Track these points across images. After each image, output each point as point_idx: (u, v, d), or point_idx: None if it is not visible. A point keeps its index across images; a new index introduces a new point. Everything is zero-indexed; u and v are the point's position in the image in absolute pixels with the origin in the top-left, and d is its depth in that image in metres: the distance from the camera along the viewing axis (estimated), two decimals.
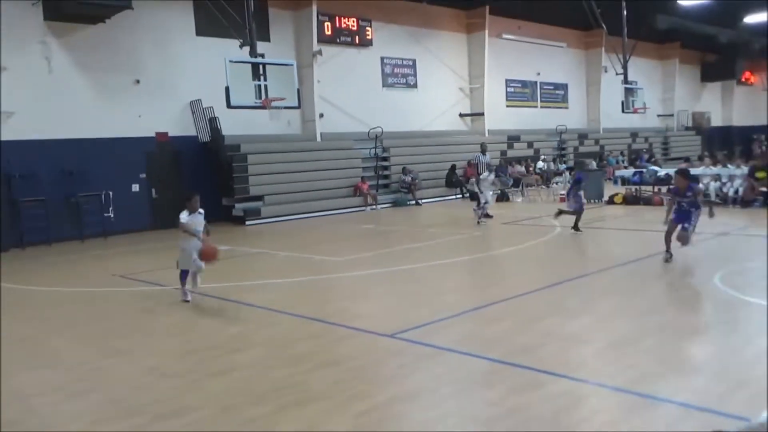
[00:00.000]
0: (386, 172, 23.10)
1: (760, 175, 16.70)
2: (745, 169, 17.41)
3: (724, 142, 39.01)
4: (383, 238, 14.97)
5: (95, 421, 4.75)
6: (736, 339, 6.29)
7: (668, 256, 9.51)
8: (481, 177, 16.03)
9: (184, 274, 8.48)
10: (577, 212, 13.28)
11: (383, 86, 24.28)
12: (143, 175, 18.06)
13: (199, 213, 8.42)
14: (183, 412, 4.80)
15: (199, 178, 18.42)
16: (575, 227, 13.19)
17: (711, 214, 9.92)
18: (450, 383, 5.19)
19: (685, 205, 9.18)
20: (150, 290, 9.73)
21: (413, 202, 22.13)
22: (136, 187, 17.91)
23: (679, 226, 9.30)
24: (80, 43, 16.75)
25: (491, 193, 15.96)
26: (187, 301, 8.40)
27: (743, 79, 40.22)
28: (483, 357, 5.71)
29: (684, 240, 9.22)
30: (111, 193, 17.08)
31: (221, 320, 7.39)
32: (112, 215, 17.07)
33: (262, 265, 12.20)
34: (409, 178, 22.43)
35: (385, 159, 23.10)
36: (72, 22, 16.41)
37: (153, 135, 18.21)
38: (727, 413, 4.30)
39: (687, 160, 26.78)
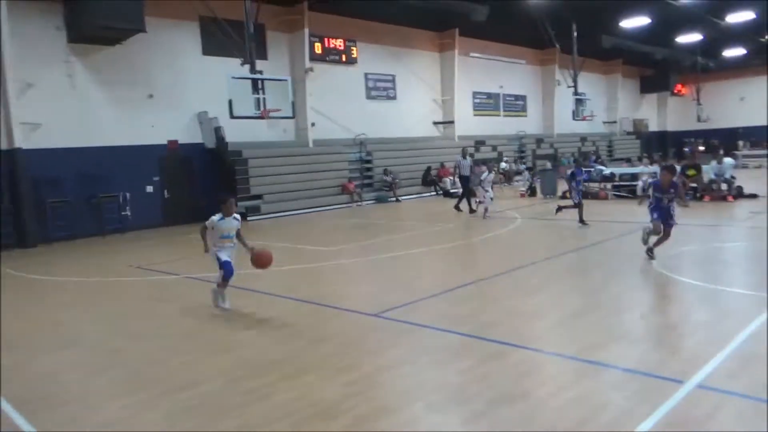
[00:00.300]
0: (370, 173, 23.00)
1: (690, 173, 16.96)
2: (677, 168, 17.58)
3: (659, 145, 39.56)
4: (367, 230, 14.92)
5: (114, 394, 4.69)
6: (671, 313, 6.37)
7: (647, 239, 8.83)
8: (482, 177, 15.65)
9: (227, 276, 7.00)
10: (579, 206, 12.65)
11: (367, 98, 24.15)
12: (156, 178, 17.80)
13: (234, 218, 6.95)
14: (192, 384, 4.75)
15: (205, 179, 18.28)
16: (581, 221, 12.50)
17: (686, 205, 9.76)
18: (426, 355, 5.19)
19: (665, 201, 8.53)
20: (163, 279, 9.62)
21: (394, 198, 22.08)
22: (150, 189, 17.64)
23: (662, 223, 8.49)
24: (99, 62, 16.46)
25: (490, 189, 15.70)
26: (226, 309, 7.03)
27: (675, 91, 40.58)
28: (454, 332, 5.72)
29: (669, 233, 8.48)
30: (128, 194, 16.82)
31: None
32: (129, 213, 16.84)
33: None
34: (390, 178, 22.40)
35: (368, 162, 23.01)
36: (92, 44, 16.09)
37: (165, 142, 17.96)
38: (663, 376, 4.35)
39: (628, 160, 26.94)
